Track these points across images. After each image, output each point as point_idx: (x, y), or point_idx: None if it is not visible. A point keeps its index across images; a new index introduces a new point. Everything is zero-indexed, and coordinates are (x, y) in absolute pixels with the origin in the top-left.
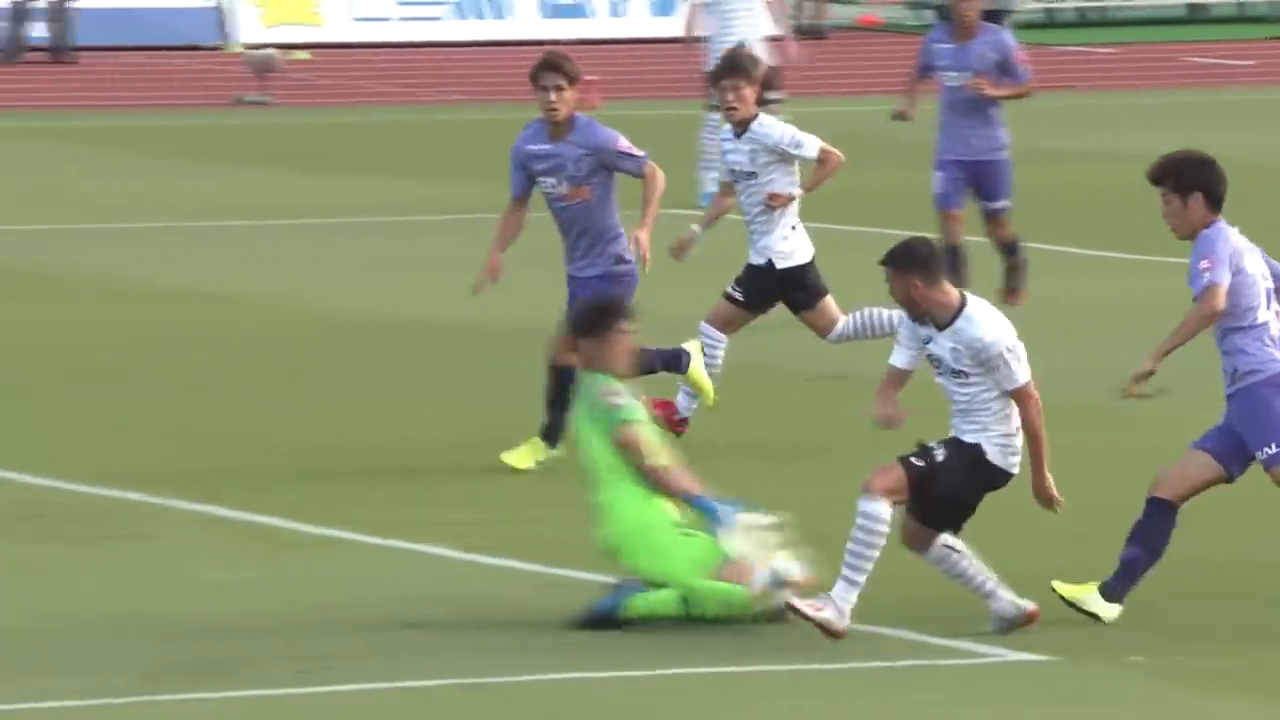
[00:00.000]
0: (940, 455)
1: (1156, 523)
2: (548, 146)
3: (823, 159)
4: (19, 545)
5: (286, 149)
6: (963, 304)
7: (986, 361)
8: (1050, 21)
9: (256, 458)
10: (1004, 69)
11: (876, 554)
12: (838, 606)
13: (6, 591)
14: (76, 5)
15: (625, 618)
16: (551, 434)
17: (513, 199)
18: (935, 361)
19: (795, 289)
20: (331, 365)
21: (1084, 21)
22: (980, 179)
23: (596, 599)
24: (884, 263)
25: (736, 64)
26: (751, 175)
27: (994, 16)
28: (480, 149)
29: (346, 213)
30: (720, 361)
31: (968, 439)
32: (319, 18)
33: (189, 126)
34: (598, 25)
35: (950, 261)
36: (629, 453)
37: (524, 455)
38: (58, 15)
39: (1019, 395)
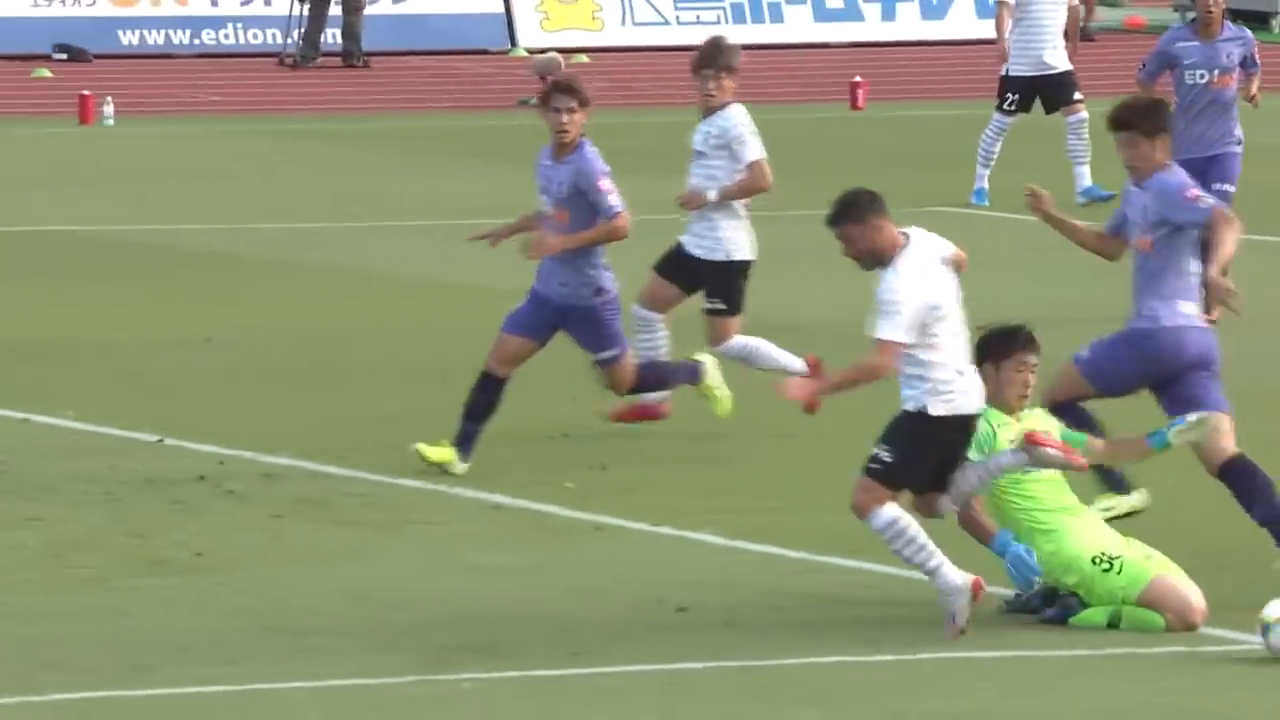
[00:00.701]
0: (891, 449)
1: (1242, 483)
2: (547, 164)
3: (751, 169)
4: (308, 530)
5: None
6: (901, 249)
7: (877, 306)
8: None
9: (534, 447)
10: (1244, 65)
11: (923, 537)
12: (947, 594)
13: (291, 574)
14: (368, 12)
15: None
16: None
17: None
18: None
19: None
20: None
21: None
22: (1210, 170)
23: (1046, 609)
24: (830, 223)
25: (716, 55)
26: (700, 155)
27: (1262, 18)
28: None
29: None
30: (784, 359)
31: (909, 406)
32: (599, 23)
33: (476, 128)
34: (869, 29)
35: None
36: None
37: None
38: (350, 22)
39: (875, 347)
